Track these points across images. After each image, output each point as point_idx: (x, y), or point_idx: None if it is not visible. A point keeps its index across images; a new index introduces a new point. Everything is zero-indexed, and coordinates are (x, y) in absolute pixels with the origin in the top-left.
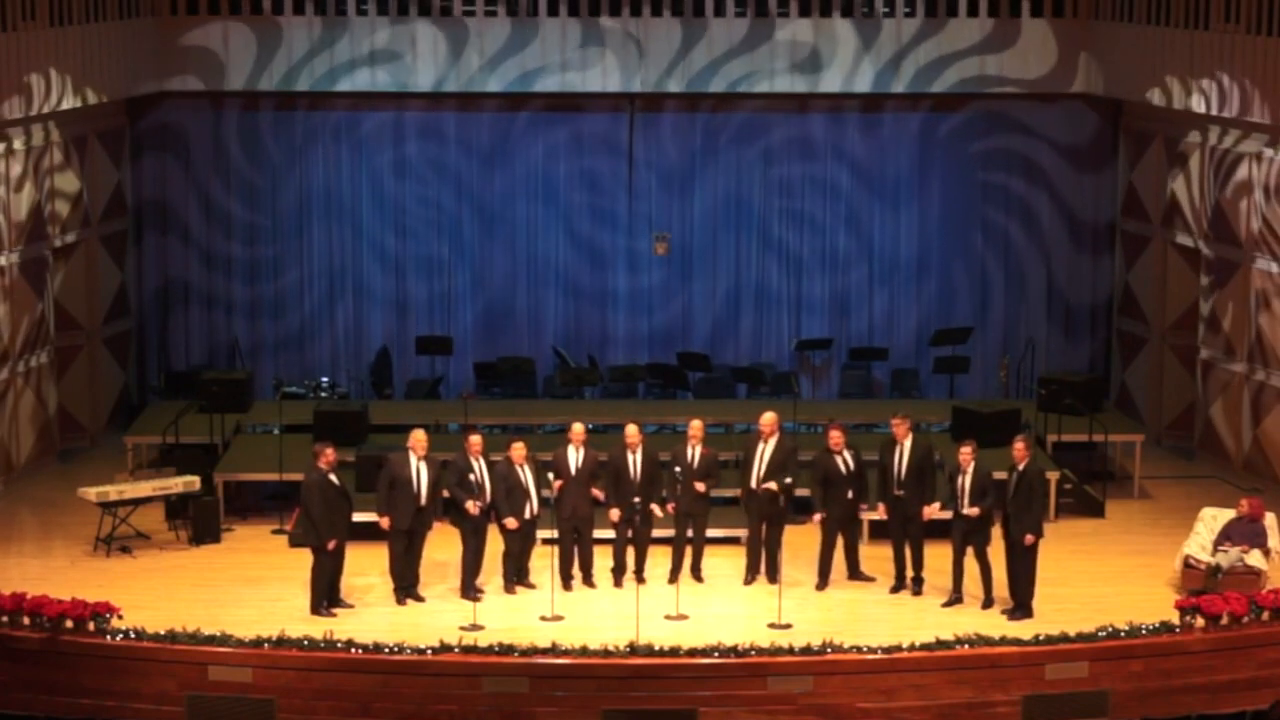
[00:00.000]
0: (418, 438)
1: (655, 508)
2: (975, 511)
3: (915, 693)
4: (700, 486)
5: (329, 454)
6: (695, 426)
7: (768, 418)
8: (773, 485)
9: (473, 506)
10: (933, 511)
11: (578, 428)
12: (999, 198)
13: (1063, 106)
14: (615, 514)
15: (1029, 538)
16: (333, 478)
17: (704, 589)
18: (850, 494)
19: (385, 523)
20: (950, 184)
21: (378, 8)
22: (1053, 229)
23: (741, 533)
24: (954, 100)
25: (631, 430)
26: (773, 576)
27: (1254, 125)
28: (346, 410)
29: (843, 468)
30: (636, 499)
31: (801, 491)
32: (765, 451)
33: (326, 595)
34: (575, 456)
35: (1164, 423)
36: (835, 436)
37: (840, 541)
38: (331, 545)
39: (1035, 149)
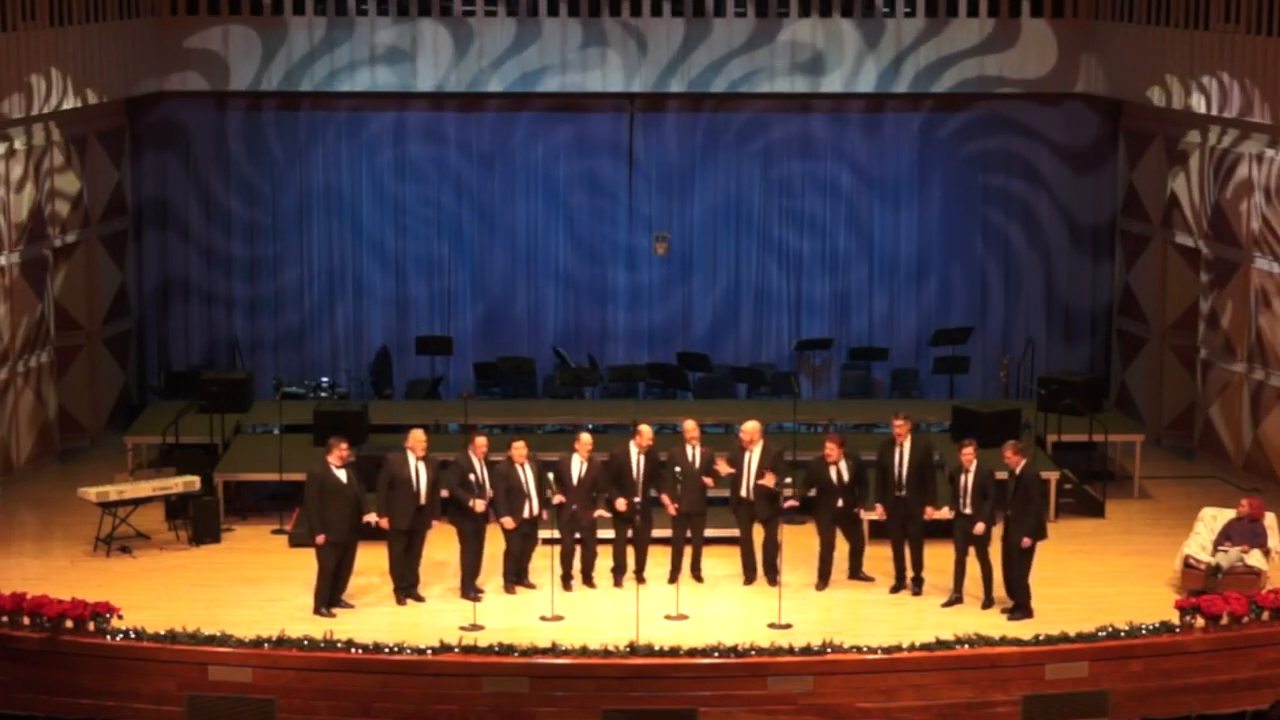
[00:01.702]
0: (416, 437)
1: (664, 497)
2: (981, 528)
3: (915, 693)
4: (709, 480)
5: (341, 449)
6: (690, 426)
7: (749, 426)
8: (767, 481)
9: (476, 504)
10: (934, 512)
11: (585, 438)
12: (999, 199)
13: (1063, 109)
14: (622, 503)
15: (1025, 541)
16: (339, 474)
17: (704, 589)
18: (840, 503)
19: (385, 523)
20: (950, 185)
21: (378, 7)
22: (1053, 230)
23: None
24: (954, 101)
25: (645, 430)
26: (772, 578)
27: (1254, 125)
28: (346, 410)
29: (835, 478)
30: (638, 499)
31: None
32: (751, 459)
33: (328, 595)
34: (579, 467)
35: (1164, 423)
36: (831, 449)
37: (840, 542)
38: (320, 540)
39: (1035, 152)
